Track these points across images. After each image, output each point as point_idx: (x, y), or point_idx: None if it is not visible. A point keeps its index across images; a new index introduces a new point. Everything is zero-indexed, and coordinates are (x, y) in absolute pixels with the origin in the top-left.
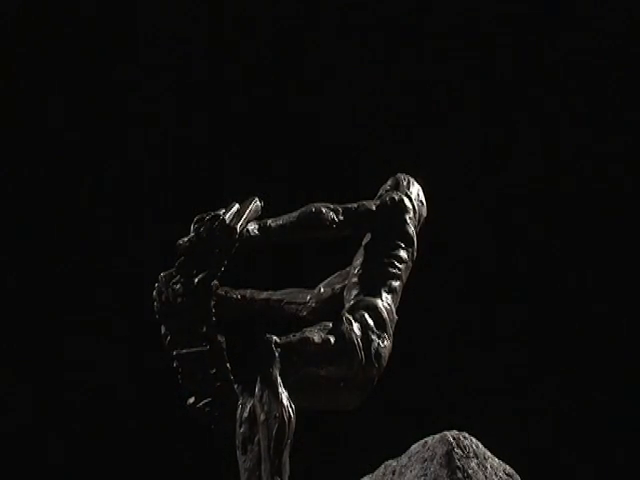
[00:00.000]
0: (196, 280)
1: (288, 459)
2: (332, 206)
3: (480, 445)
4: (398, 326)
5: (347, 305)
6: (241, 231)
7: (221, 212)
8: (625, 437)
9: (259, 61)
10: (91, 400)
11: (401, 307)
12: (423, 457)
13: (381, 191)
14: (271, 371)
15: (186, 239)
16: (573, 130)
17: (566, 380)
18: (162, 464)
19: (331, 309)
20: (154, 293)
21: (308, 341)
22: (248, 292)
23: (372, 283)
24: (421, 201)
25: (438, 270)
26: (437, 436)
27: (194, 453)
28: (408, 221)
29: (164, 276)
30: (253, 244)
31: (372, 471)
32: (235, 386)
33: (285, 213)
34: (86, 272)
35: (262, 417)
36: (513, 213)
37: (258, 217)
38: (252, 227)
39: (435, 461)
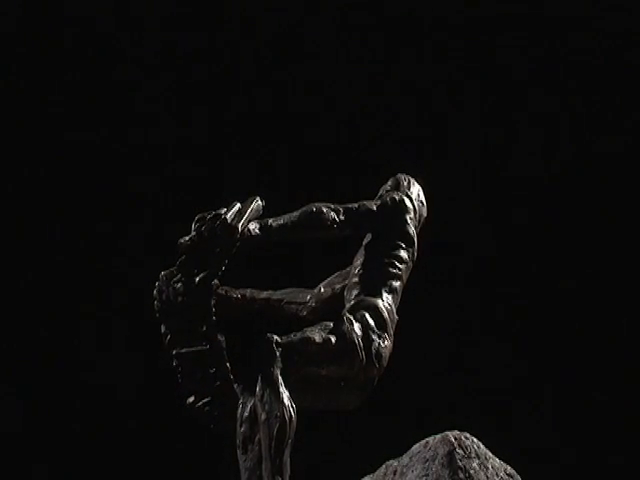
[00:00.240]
0: (197, 279)
1: (289, 459)
2: (333, 206)
3: (481, 445)
4: (398, 326)
5: (348, 305)
6: (242, 230)
7: (223, 211)
8: (625, 437)
9: (259, 61)
10: (91, 400)
11: (401, 307)
12: (425, 457)
13: (381, 191)
14: (272, 370)
15: (187, 238)
16: (573, 130)
17: (566, 380)
18: (162, 464)
19: (331, 309)
20: (154, 292)
21: (309, 341)
22: (248, 291)
23: (373, 283)
24: (421, 201)
25: (438, 270)
26: (438, 436)
27: (194, 453)
28: (409, 221)
29: (165, 275)
30: (254, 243)
31: (373, 471)
32: (235, 385)
33: (285, 213)
34: (86, 272)
35: (263, 416)
36: (513, 213)
37: (259, 216)
38: (253, 226)
39: (437, 461)
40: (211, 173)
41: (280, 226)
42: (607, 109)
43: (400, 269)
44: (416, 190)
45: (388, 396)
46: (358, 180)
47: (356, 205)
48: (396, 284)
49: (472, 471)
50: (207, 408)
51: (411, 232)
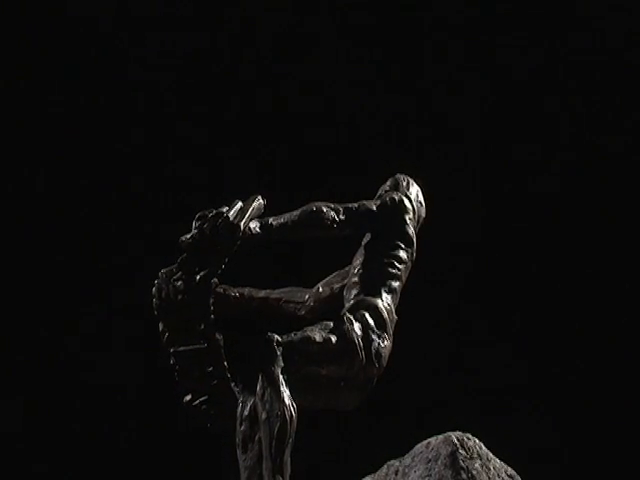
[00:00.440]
0: (198, 277)
1: (289, 458)
2: (333, 205)
3: (483, 446)
4: (398, 326)
5: (347, 305)
6: (244, 229)
7: (224, 209)
8: (625, 437)
9: (259, 61)
10: (91, 400)
11: (401, 307)
12: (427, 457)
13: (380, 191)
14: (273, 369)
15: (189, 236)
16: (573, 130)
17: (566, 380)
18: (162, 464)
19: (329, 308)
20: (154, 290)
21: (309, 340)
22: (246, 290)
23: (372, 283)
24: (420, 202)
25: (438, 270)
26: (441, 437)
27: (194, 453)
28: (408, 222)
29: (165, 273)
30: (254, 242)
31: (374, 471)
32: (232, 384)
33: (286, 212)
34: (86, 272)
35: (263, 416)
36: (513, 213)
37: (260, 215)
38: (253, 225)
39: (439, 462)
40: (211, 173)
41: (280, 225)
42: (607, 109)
43: (399, 269)
44: (415, 190)
45: (388, 396)
46: (358, 180)
47: (356, 205)
48: (395, 284)
49: (474, 472)
50: (204, 407)
51: (410, 232)
